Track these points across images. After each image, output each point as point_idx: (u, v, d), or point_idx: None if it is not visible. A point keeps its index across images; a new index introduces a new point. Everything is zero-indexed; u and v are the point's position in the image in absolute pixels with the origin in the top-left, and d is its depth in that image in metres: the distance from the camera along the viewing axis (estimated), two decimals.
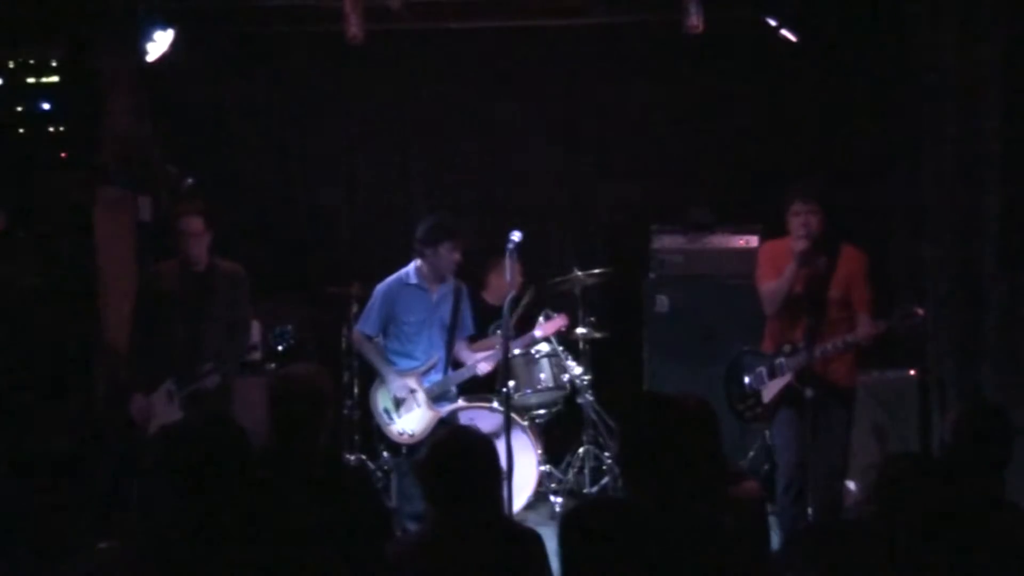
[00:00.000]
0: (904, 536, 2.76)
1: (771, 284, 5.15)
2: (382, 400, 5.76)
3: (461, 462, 2.96)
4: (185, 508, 2.87)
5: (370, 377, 6.43)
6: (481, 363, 5.75)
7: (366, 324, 5.80)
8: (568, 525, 2.84)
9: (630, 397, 3.50)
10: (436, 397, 5.80)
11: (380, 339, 5.84)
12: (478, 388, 6.19)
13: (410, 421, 5.73)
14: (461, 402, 6.00)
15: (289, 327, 5.62)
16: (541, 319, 6.18)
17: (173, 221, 5.50)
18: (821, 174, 6.11)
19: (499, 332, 5.68)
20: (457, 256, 5.69)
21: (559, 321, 6.15)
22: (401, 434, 5.71)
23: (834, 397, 5.06)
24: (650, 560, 2.70)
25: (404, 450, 5.68)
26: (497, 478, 3.09)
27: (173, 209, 5.76)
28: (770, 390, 5.16)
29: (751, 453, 6.41)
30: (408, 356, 5.79)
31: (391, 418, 5.73)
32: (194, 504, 2.87)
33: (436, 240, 5.62)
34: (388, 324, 5.77)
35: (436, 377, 5.81)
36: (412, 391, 5.72)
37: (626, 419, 3.25)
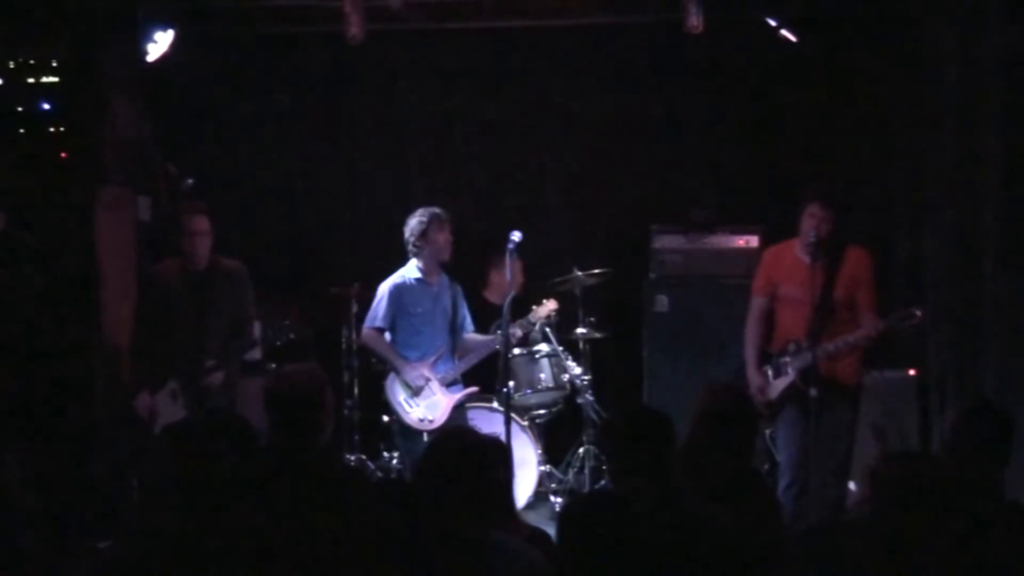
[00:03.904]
0: (904, 536, 2.75)
1: (749, 332, 5.32)
2: (400, 390, 5.80)
3: (460, 465, 2.95)
4: (188, 506, 2.87)
5: (370, 377, 6.45)
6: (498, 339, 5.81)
7: (375, 319, 5.87)
8: (567, 519, 2.84)
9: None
10: (448, 384, 5.88)
11: (387, 335, 5.90)
12: (480, 388, 6.19)
13: (429, 408, 5.78)
14: (463, 394, 6.00)
15: (287, 322, 5.61)
16: (533, 306, 6.20)
17: (178, 220, 5.50)
18: (839, 180, 6.18)
19: (499, 332, 5.71)
20: (447, 235, 5.82)
21: (550, 304, 6.21)
22: (422, 420, 5.77)
23: (839, 396, 5.08)
24: (651, 553, 2.71)
25: (425, 436, 5.73)
26: (498, 480, 3.08)
27: (178, 208, 5.76)
28: (774, 388, 5.17)
29: None
30: (416, 348, 5.86)
31: (411, 406, 5.77)
32: (197, 502, 2.86)
33: (424, 230, 5.77)
34: (395, 319, 5.84)
35: (445, 366, 5.88)
36: (427, 379, 5.79)
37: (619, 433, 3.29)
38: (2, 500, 4.76)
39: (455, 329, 5.95)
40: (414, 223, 5.81)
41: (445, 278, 5.95)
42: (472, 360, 5.93)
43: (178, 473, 2.92)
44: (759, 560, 3.10)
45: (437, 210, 5.83)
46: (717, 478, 3.32)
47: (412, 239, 5.80)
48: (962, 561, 2.87)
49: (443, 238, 5.80)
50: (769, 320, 5.35)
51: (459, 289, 6.02)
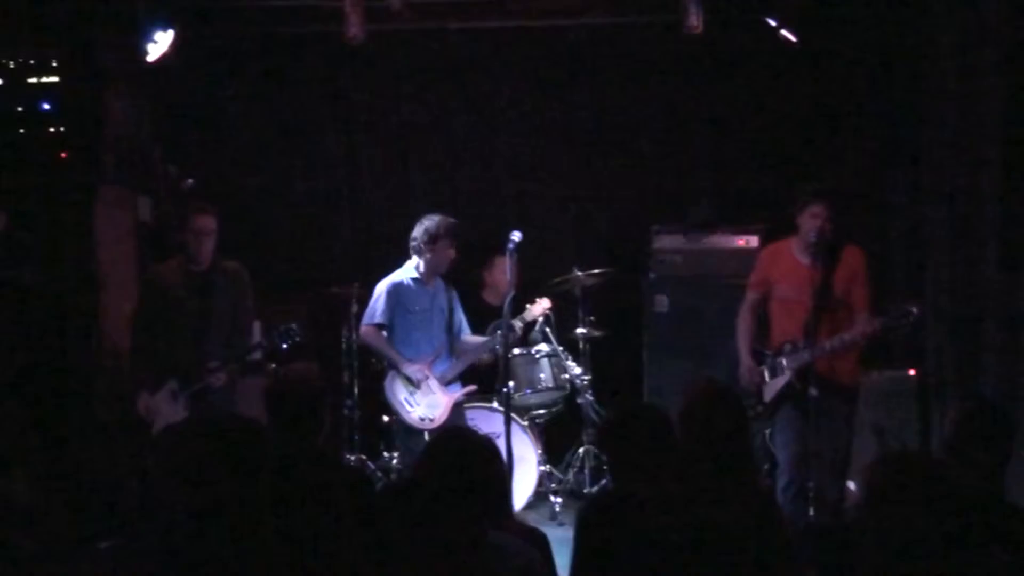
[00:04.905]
0: (897, 536, 2.75)
1: (741, 320, 5.37)
2: (401, 388, 5.82)
3: (458, 465, 2.95)
4: (193, 507, 2.86)
5: (370, 377, 6.45)
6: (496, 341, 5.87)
7: (374, 316, 5.91)
8: (586, 518, 2.85)
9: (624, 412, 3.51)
10: (446, 382, 5.91)
11: (384, 333, 5.92)
12: (479, 387, 6.20)
13: (429, 406, 5.81)
14: (461, 393, 6.01)
15: (294, 325, 5.60)
16: (528, 305, 6.23)
17: (185, 218, 5.50)
18: (834, 178, 6.17)
19: (499, 332, 5.72)
20: (453, 252, 5.87)
21: (544, 303, 6.25)
22: (422, 420, 5.80)
23: (838, 396, 5.09)
24: (662, 555, 2.71)
25: (426, 435, 5.76)
26: (496, 480, 3.08)
27: (182, 207, 5.76)
28: (771, 388, 5.17)
29: None
30: (414, 345, 5.90)
31: (412, 405, 5.79)
32: (202, 504, 2.86)
33: (435, 238, 5.80)
34: (394, 317, 5.86)
35: (443, 365, 5.92)
36: (426, 376, 5.82)
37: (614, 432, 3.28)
38: (5, 501, 4.76)
39: (451, 330, 5.99)
40: (431, 225, 5.81)
41: (440, 281, 6.01)
42: (469, 359, 5.99)
43: (181, 473, 2.92)
44: (760, 559, 3.10)
45: (454, 226, 5.84)
46: (710, 475, 3.32)
47: (421, 240, 5.81)
48: (961, 562, 2.86)
49: (450, 253, 5.85)
50: (764, 319, 5.37)
51: (455, 293, 6.08)
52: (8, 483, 3.57)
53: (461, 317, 6.08)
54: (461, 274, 6.22)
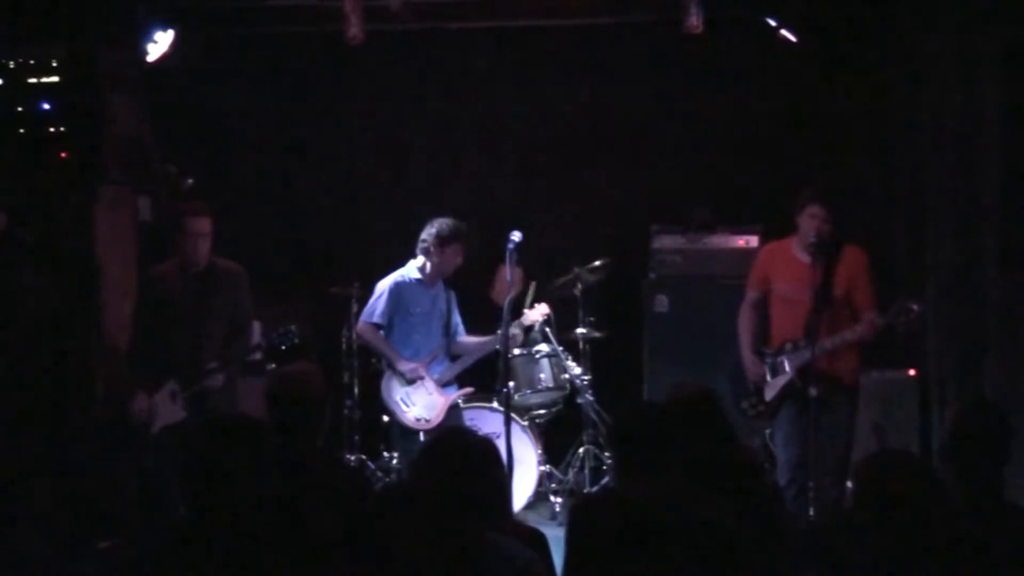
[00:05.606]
0: (903, 537, 2.75)
1: (742, 319, 5.38)
2: (397, 388, 5.82)
3: (455, 466, 2.94)
4: (193, 507, 2.87)
5: (371, 377, 6.45)
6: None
7: (373, 315, 5.91)
8: (577, 514, 2.84)
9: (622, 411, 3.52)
10: (443, 384, 5.92)
11: (381, 332, 5.92)
12: (478, 388, 6.20)
13: (424, 407, 5.82)
14: (461, 401, 6.02)
15: (293, 327, 5.61)
16: (525, 310, 6.24)
17: (179, 221, 5.49)
18: (834, 178, 6.19)
19: (499, 332, 5.72)
20: (460, 260, 5.88)
21: (542, 308, 6.26)
22: (418, 420, 5.81)
23: (839, 394, 5.10)
24: (658, 553, 2.70)
25: (422, 436, 5.76)
26: (493, 481, 3.08)
27: (178, 209, 5.76)
28: (772, 388, 5.18)
29: None
30: (412, 346, 5.90)
31: (408, 405, 5.79)
32: (202, 504, 2.86)
33: (446, 241, 5.81)
34: (394, 316, 5.86)
35: (440, 367, 5.92)
36: (421, 377, 5.82)
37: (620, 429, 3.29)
38: (11, 502, 4.76)
39: (448, 332, 6.00)
40: (443, 228, 5.80)
41: (440, 282, 6.00)
42: (467, 361, 5.99)
43: (182, 473, 2.92)
44: (763, 558, 3.10)
45: (465, 232, 5.85)
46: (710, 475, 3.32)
47: (431, 240, 5.81)
48: (962, 562, 2.86)
49: (456, 261, 5.87)
50: (764, 318, 5.38)
51: (452, 294, 6.09)
52: (28, 490, 3.58)
53: (458, 319, 6.10)
54: (461, 273, 6.21)
